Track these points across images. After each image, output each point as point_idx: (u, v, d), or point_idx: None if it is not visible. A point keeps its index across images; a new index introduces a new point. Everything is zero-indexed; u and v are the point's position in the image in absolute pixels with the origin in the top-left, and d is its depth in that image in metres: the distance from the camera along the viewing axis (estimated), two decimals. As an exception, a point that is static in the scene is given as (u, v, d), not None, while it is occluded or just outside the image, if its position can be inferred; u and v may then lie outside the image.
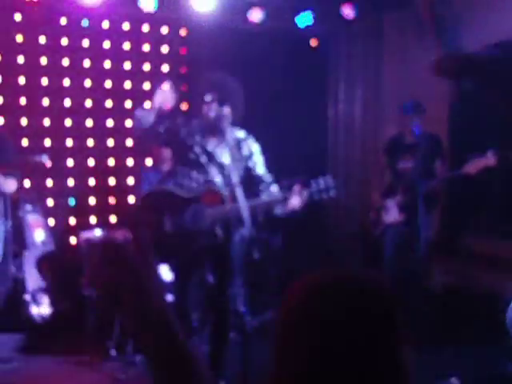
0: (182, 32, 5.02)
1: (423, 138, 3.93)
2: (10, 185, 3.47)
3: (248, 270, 3.00)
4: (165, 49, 4.99)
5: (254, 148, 3.06)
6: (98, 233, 4.05)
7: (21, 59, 4.45)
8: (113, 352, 3.51)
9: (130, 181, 4.96)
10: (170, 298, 3.40)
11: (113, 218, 4.87)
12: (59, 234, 4.60)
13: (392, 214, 4.11)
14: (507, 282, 3.79)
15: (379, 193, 4.29)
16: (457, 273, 4.48)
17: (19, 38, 4.43)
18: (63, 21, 4.53)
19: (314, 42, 5.43)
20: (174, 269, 3.30)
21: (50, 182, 4.69)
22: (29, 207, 4.06)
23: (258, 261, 2.55)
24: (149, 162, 4.89)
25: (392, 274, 4.01)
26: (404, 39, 5.15)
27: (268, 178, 3.07)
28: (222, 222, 2.92)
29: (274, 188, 3.02)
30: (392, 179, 4.21)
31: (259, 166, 3.06)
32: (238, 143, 3.02)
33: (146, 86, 4.92)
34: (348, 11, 4.97)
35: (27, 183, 4.49)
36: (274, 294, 4.28)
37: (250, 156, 3.04)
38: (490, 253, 4.32)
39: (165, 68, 4.99)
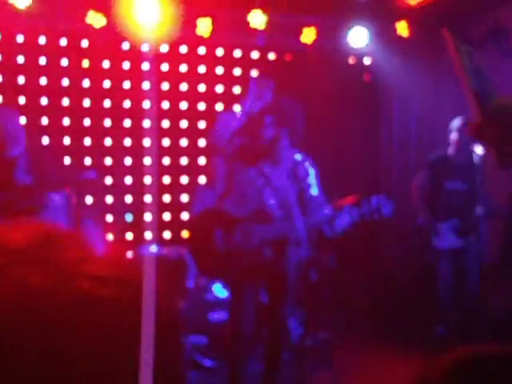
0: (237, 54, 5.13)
1: (477, 159, 3.80)
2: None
3: (304, 291, 2.99)
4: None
5: (309, 171, 3.08)
6: (153, 249, 4.16)
7: (86, 83, 4.69)
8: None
9: (184, 198, 5.08)
10: (224, 315, 3.43)
11: (167, 235, 4.99)
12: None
13: (447, 239, 3.94)
14: None
15: (427, 215, 4.08)
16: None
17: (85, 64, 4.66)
18: (126, 45, 4.74)
19: (368, 60, 5.41)
20: (227, 287, 3.33)
21: (109, 199, 4.87)
22: (90, 223, 4.23)
23: (315, 281, 2.54)
24: (202, 179, 5.00)
25: (451, 302, 3.87)
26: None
27: (322, 199, 3.07)
28: (271, 241, 2.94)
29: (328, 209, 3.02)
30: (441, 200, 4.04)
31: (313, 188, 3.08)
32: (295, 165, 3.05)
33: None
34: (403, 29, 4.93)
35: (89, 200, 4.68)
36: (328, 314, 4.23)
37: (305, 178, 3.07)
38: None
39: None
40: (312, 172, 3.09)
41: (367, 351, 4.00)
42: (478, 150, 3.80)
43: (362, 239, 4.73)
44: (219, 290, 3.72)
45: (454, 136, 3.98)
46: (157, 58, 4.78)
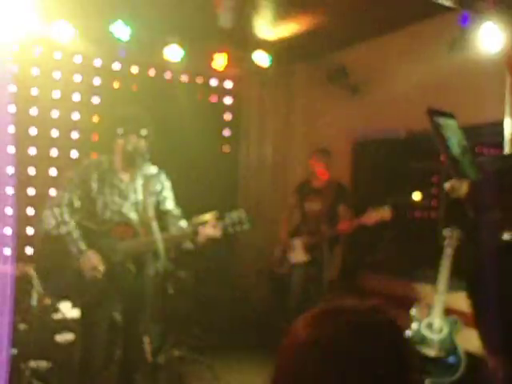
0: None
1: (329, 183, 4.22)
2: None
3: (161, 305, 2.94)
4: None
5: (165, 184, 3.08)
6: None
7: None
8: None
9: (30, 211, 4.68)
10: (71, 336, 3.21)
11: (7, 251, 4.52)
12: None
13: (298, 254, 4.30)
14: (399, 316, 4.08)
15: (286, 232, 4.48)
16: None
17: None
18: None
19: (229, 84, 5.63)
20: (78, 306, 3.13)
21: None
22: None
23: (171, 296, 2.52)
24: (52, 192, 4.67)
25: (298, 311, 4.14)
26: (314, 89, 5.53)
27: (177, 212, 3.09)
28: (134, 256, 2.86)
29: (183, 223, 3.05)
30: (300, 220, 4.43)
31: (169, 201, 3.08)
32: (150, 178, 3.02)
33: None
34: (261, 58, 5.25)
35: None
36: (184, 331, 4.21)
37: (161, 191, 3.06)
38: (384, 289, 4.64)
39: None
40: (167, 185, 3.09)
41: (221, 367, 4.06)
42: (322, 174, 4.21)
43: (220, 255, 4.84)
44: (68, 310, 3.47)
45: (311, 162, 4.36)
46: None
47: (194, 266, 4.49)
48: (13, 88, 4.54)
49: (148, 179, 3.00)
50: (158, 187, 3.05)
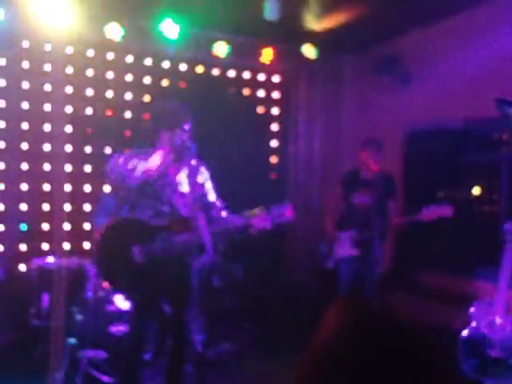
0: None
1: (380, 175, 4.08)
2: None
3: (207, 299, 2.97)
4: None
5: (206, 175, 3.10)
6: (50, 260, 3.92)
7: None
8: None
9: (87, 207, 4.85)
10: (125, 328, 3.31)
11: (66, 245, 4.72)
12: (7, 261, 4.41)
13: (345, 248, 4.17)
14: (457, 315, 3.92)
15: (333, 224, 4.34)
16: (409, 307, 4.59)
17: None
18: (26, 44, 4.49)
19: (277, 78, 5.61)
20: (131, 298, 3.21)
21: (1, 206, 4.52)
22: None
23: (218, 289, 2.53)
24: (107, 188, 4.82)
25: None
26: (363, 80, 5.40)
27: (220, 204, 3.10)
28: (183, 249, 2.90)
29: (225, 213, 3.05)
30: (346, 212, 4.30)
31: (211, 193, 3.10)
32: (193, 171, 3.04)
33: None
34: (309, 51, 5.18)
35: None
36: (232, 325, 4.23)
37: (204, 183, 3.08)
38: (440, 287, 4.47)
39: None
40: (208, 176, 3.11)
41: (270, 362, 4.05)
42: (373, 165, 4.07)
43: (269, 249, 4.83)
44: (121, 302, 3.58)
45: (361, 153, 4.23)
46: (61, 60, 4.58)
47: (243, 260, 4.50)
48: (69, 89, 4.73)
49: (191, 172, 3.02)
50: (201, 179, 3.07)
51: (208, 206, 3.06)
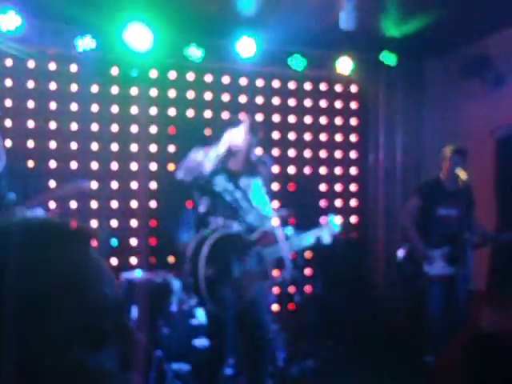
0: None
1: (465, 186, 3.81)
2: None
3: (287, 314, 2.94)
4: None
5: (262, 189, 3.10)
6: (137, 274, 4.10)
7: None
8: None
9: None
10: (207, 341, 3.36)
11: (153, 259, 4.93)
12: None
13: (438, 266, 3.89)
14: None
15: (420, 241, 4.05)
16: (507, 323, 4.25)
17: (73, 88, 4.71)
18: (114, 71, 4.79)
19: (354, 88, 5.50)
20: (209, 313, 3.25)
21: (94, 223, 4.83)
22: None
23: (298, 304, 2.50)
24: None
25: (439, 328, 3.83)
26: (447, 85, 5.15)
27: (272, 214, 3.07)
28: (263, 262, 2.91)
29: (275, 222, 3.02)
30: (430, 226, 4.00)
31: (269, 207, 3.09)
32: (267, 183, 3.06)
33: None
34: (388, 58, 5.04)
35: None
36: (314, 342, 4.15)
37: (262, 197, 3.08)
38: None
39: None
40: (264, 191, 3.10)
41: (353, 379, 3.93)
42: (462, 175, 3.83)
43: (350, 266, 4.71)
44: (203, 316, 3.65)
45: (444, 162, 3.99)
46: (146, 83, 4.83)
47: (321, 275, 4.42)
48: (153, 110, 4.97)
49: (264, 184, 3.04)
50: (260, 194, 3.07)
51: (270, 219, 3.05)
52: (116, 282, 0.70)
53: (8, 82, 4.56)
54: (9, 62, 4.52)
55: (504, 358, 0.66)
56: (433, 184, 4.05)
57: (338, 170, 5.44)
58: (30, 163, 4.59)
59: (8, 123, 4.54)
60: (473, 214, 3.87)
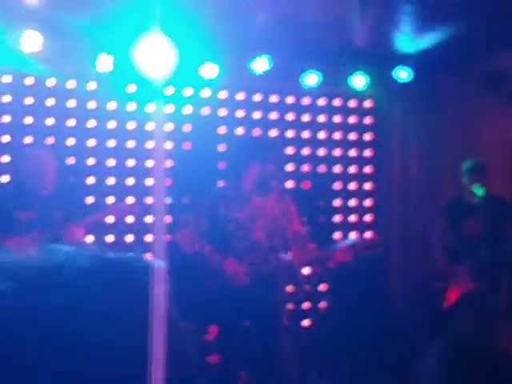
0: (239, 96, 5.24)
1: (489, 199, 3.77)
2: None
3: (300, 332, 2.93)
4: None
5: (292, 204, 3.12)
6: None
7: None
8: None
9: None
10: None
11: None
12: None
13: (464, 283, 3.82)
14: None
15: (444, 259, 3.99)
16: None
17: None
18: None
19: (368, 104, 5.52)
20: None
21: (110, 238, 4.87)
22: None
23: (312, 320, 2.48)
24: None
25: (472, 346, 3.74)
26: (463, 101, 5.13)
27: (304, 232, 3.08)
28: (266, 279, 2.93)
29: (311, 245, 3.02)
30: (456, 243, 3.96)
31: (295, 222, 3.11)
32: (281, 197, 3.08)
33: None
34: (402, 74, 5.05)
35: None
36: (329, 361, 4.10)
37: (287, 211, 3.11)
38: None
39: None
40: (293, 206, 3.11)
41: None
42: (479, 192, 3.80)
43: (363, 283, 4.65)
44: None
45: (466, 179, 3.96)
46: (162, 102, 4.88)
47: (338, 293, 4.38)
48: (169, 126, 5.03)
49: (278, 198, 3.05)
50: (286, 209, 3.09)
51: (291, 235, 3.06)
52: None
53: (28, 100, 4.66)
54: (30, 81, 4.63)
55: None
56: (457, 201, 4.05)
57: (352, 186, 5.43)
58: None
59: (29, 139, 4.63)
60: (499, 227, 3.79)
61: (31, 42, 4.20)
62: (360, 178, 5.45)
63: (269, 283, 2.92)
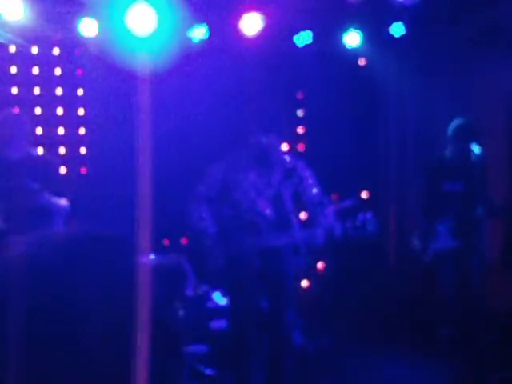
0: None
1: (472, 161, 3.76)
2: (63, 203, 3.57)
3: (303, 298, 2.97)
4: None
5: (304, 174, 3.05)
6: (151, 257, 4.12)
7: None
8: None
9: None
10: (225, 323, 3.40)
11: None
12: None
13: (444, 241, 3.88)
14: None
15: (426, 216, 4.03)
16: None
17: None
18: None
19: (362, 62, 5.39)
20: (227, 294, 3.29)
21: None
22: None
23: (313, 288, 2.51)
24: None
25: (453, 302, 3.83)
26: (458, 55, 5.02)
27: (321, 200, 3.05)
28: (273, 250, 2.92)
29: (329, 211, 3.00)
30: (437, 202, 3.94)
31: (310, 190, 3.05)
32: (287, 171, 3.02)
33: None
34: (396, 29, 4.92)
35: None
36: (328, 322, 4.18)
37: (301, 181, 3.04)
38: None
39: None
40: (306, 174, 3.06)
41: (370, 356, 3.96)
42: (476, 149, 3.77)
43: (360, 246, 4.69)
44: (219, 298, 3.68)
45: (451, 137, 3.93)
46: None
47: (334, 259, 4.42)
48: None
49: (285, 172, 3.01)
50: (296, 178, 3.04)
51: (307, 205, 3.04)
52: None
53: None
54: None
55: None
56: (438, 159, 4.02)
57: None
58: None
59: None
60: (483, 188, 3.80)
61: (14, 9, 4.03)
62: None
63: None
